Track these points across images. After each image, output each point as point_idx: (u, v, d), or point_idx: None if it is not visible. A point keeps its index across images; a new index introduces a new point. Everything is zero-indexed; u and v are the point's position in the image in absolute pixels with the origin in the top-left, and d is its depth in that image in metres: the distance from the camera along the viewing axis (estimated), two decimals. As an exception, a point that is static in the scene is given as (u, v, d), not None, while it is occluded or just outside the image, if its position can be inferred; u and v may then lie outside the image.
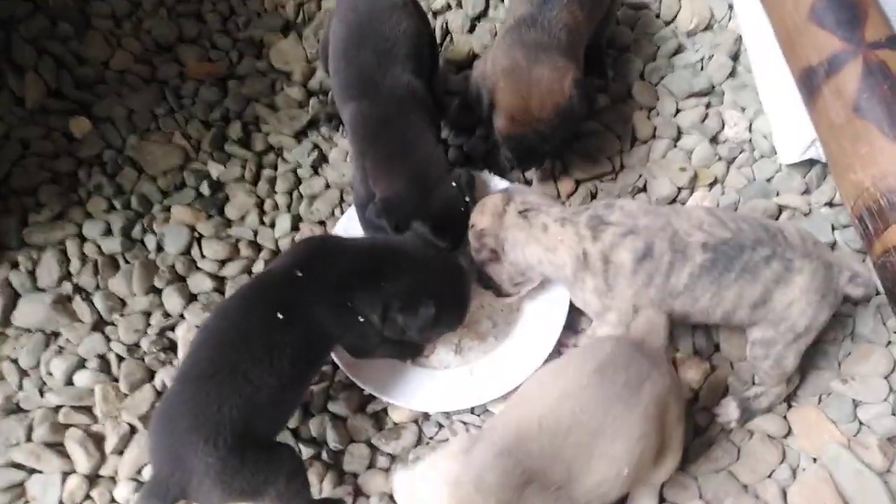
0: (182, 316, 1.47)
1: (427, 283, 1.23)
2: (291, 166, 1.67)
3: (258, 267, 1.53)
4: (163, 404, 1.11)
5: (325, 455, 1.33)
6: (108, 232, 1.56)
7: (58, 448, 1.34)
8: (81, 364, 1.42)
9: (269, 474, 1.09)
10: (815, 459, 1.28)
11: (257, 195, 1.63)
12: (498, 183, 1.52)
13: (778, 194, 1.54)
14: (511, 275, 1.34)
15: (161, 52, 1.84)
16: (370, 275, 1.20)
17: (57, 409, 1.38)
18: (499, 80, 1.38)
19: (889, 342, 1.36)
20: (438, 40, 1.80)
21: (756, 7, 1.60)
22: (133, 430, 1.36)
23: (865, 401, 1.31)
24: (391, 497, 1.30)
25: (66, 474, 1.33)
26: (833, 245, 1.46)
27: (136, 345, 1.45)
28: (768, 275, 1.14)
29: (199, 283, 1.50)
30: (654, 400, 1.04)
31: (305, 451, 1.33)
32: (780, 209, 1.52)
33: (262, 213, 1.61)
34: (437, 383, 1.36)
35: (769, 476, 1.28)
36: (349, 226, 1.50)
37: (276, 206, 1.62)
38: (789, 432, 1.31)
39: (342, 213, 1.59)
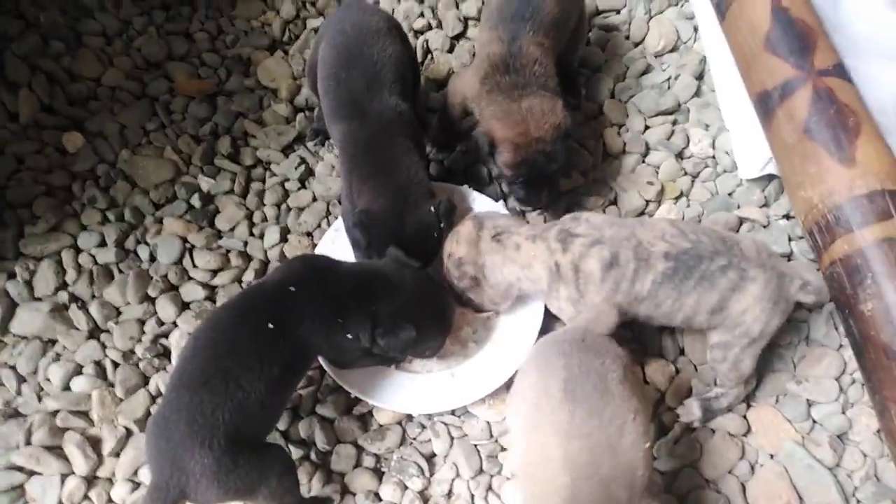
0: (175, 324, 1.53)
1: (408, 306, 1.29)
2: (279, 180, 1.73)
3: (248, 276, 1.58)
4: (159, 411, 1.15)
5: (313, 455, 1.39)
6: (103, 243, 1.61)
7: (56, 451, 1.39)
8: (78, 370, 1.47)
9: (261, 472, 1.15)
10: (771, 456, 1.37)
11: (247, 207, 1.69)
12: (477, 197, 1.60)
13: (739, 207, 1.63)
14: (491, 296, 1.42)
15: (151, 69, 1.89)
16: (361, 296, 1.26)
17: (55, 413, 1.43)
18: (492, 123, 1.44)
19: (840, 346, 1.45)
20: (420, 59, 1.88)
21: (719, 31, 1.69)
22: (129, 432, 1.42)
23: (818, 401, 1.40)
24: (377, 495, 1.37)
25: (64, 476, 1.38)
26: (790, 255, 1.55)
27: (131, 351, 1.50)
28: (725, 283, 1.22)
29: (192, 292, 1.56)
30: (621, 380, 1.10)
31: (295, 452, 1.39)
32: (741, 221, 1.61)
33: (251, 224, 1.67)
34: (419, 386, 1.41)
35: (730, 471, 1.36)
36: (336, 237, 1.56)
37: (264, 218, 1.68)
38: (748, 430, 1.40)
39: (329, 224, 1.65)
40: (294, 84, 1.87)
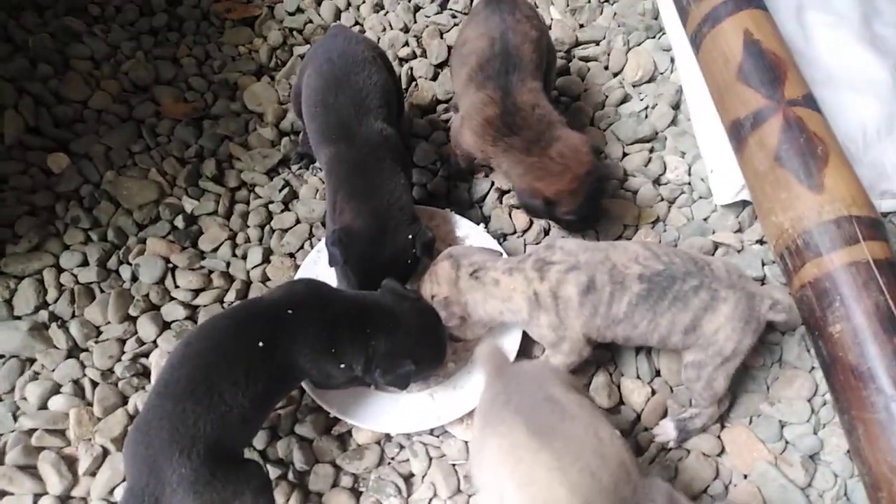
0: (155, 343, 1.53)
1: (406, 341, 1.30)
2: (263, 202, 1.75)
3: (230, 297, 1.59)
4: (141, 417, 1.15)
5: (291, 475, 1.39)
6: (85, 262, 1.62)
7: (30, 470, 1.37)
8: (56, 389, 1.46)
9: (236, 486, 1.15)
10: (745, 476, 1.39)
11: (230, 228, 1.70)
12: (458, 221, 1.63)
13: (714, 232, 1.67)
14: (475, 331, 1.45)
15: (138, 92, 1.92)
16: (358, 327, 1.28)
17: (30, 432, 1.41)
18: (536, 186, 1.47)
19: (812, 368, 1.48)
20: (404, 86, 1.92)
21: (694, 63, 1.75)
22: (106, 452, 1.41)
23: (791, 421, 1.43)
24: (354, 514, 1.37)
25: (37, 496, 1.36)
26: (763, 279, 1.59)
27: (111, 370, 1.49)
28: (697, 303, 1.25)
29: (173, 312, 1.56)
30: (566, 391, 1.12)
31: (273, 472, 1.38)
32: (716, 246, 1.65)
33: (234, 245, 1.68)
34: (398, 406, 1.42)
35: (704, 491, 1.38)
36: (318, 258, 1.57)
37: (248, 239, 1.69)
38: (722, 451, 1.42)
39: (311, 246, 1.67)
40: (280, 108, 1.90)
